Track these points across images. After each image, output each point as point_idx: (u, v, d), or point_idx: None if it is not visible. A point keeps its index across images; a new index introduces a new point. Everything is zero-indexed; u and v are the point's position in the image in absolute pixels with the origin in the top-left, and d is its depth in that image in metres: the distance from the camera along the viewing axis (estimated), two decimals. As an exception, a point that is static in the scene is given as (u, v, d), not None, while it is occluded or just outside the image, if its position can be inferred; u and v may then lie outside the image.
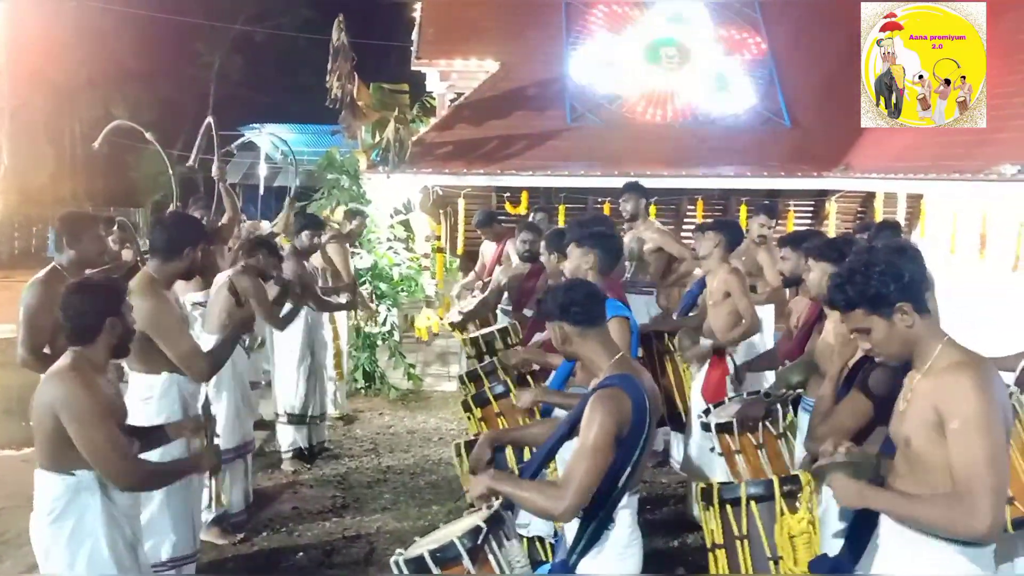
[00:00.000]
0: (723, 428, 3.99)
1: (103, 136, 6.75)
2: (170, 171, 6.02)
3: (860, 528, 2.51)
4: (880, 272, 2.25)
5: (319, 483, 5.89)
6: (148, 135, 6.36)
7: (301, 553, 4.79)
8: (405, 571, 2.68)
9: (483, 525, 2.64)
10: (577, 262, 3.97)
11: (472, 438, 4.04)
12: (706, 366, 4.96)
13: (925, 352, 2.28)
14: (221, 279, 5.08)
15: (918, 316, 2.26)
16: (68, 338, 2.93)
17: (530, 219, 7.13)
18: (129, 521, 2.99)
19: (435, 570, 2.61)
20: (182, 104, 25.62)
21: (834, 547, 2.71)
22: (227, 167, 8.31)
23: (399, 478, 5.99)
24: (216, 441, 3.27)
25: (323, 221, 6.77)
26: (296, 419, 6.17)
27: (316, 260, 6.76)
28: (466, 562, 2.60)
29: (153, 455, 3.23)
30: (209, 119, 6.88)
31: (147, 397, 3.81)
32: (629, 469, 2.56)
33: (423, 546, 2.72)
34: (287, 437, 6.20)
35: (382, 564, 4.65)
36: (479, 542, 2.62)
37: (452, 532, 2.72)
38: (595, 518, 2.56)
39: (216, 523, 4.87)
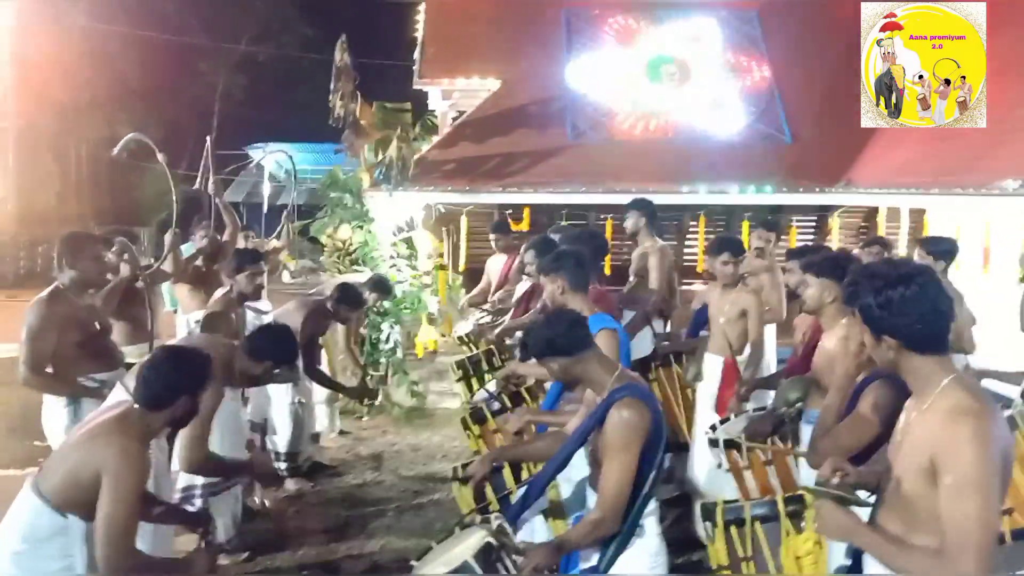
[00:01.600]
0: (731, 444, 3.98)
1: (122, 145, 6.74)
2: (172, 191, 6.01)
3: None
4: (877, 294, 2.17)
5: (322, 501, 5.87)
6: (160, 156, 6.43)
7: (305, 572, 4.77)
8: None
9: (494, 542, 2.63)
10: (550, 290, 4.00)
11: (468, 462, 4.03)
12: (717, 384, 4.95)
13: (925, 388, 2.17)
14: (218, 294, 5.08)
15: (909, 352, 2.16)
16: (137, 398, 2.88)
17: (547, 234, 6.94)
18: None
19: None
20: (186, 124, 25.78)
21: (841, 566, 2.69)
22: (229, 186, 8.35)
23: (403, 496, 5.97)
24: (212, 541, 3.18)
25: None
26: (292, 457, 6.04)
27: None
28: None
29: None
30: (208, 140, 6.94)
31: None
32: (653, 474, 2.57)
33: (435, 564, 2.69)
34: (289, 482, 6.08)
35: (386, 583, 4.63)
36: (492, 559, 2.62)
37: (461, 552, 2.70)
38: (624, 526, 2.56)
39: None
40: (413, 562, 2.92)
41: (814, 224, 9.74)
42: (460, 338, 6.74)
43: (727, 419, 4.44)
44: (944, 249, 5.05)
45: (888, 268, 2.25)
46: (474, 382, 5.83)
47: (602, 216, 9.15)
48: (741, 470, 3.93)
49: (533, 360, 4.66)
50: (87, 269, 4.16)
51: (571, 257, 4.06)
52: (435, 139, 10.31)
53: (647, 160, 9.36)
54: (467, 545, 2.70)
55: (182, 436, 3.61)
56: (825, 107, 9.84)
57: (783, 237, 9.28)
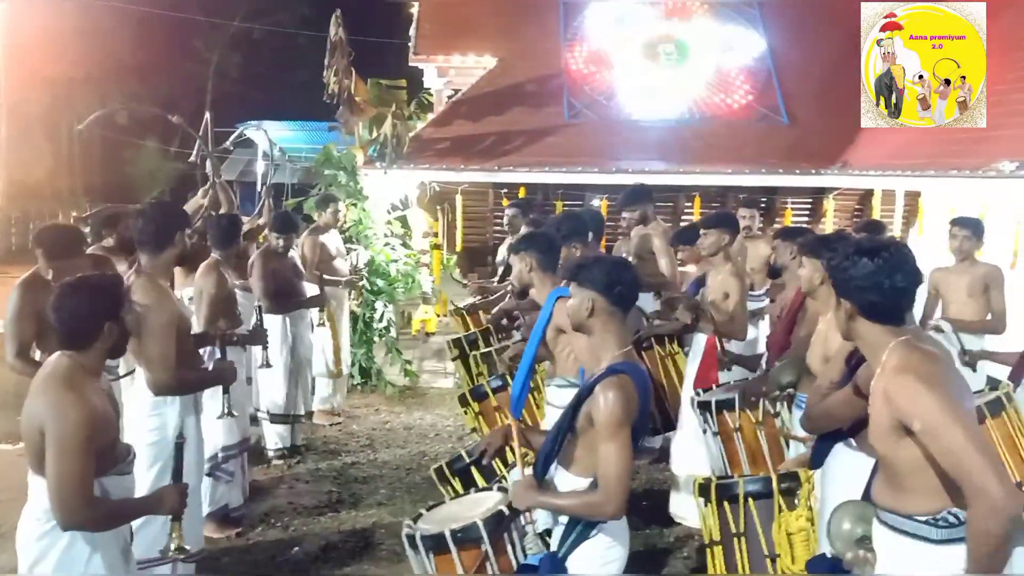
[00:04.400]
0: (723, 406, 3.98)
1: (91, 121, 6.68)
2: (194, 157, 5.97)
3: None
4: (845, 259, 2.33)
5: (315, 478, 5.87)
6: (174, 118, 6.35)
7: (297, 548, 4.78)
8: (421, 546, 2.65)
9: (506, 511, 2.62)
10: (517, 268, 4.01)
11: (448, 460, 4.02)
12: (699, 360, 4.96)
13: (875, 355, 2.32)
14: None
15: (862, 319, 2.31)
16: (61, 342, 2.70)
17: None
18: (123, 528, 2.86)
19: (453, 549, 2.59)
20: (180, 101, 25.58)
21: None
22: (223, 164, 8.29)
23: (395, 473, 5.97)
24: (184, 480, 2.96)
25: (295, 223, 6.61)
26: (279, 419, 6.10)
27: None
28: (486, 546, 2.59)
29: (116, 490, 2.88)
30: (207, 116, 6.86)
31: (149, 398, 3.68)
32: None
33: (440, 523, 2.68)
34: (272, 437, 6.17)
35: (378, 559, 4.64)
36: (501, 527, 2.61)
37: (472, 513, 2.68)
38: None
39: (212, 517, 4.87)
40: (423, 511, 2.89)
41: (809, 206, 9.72)
42: (453, 309, 6.74)
43: (709, 389, 4.46)
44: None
45: (864, 240, 2.45)
46: (471, 361, 5.83)
47: (598, 196, 9.12)
48: (732, 433, 3.93)
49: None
50: (65, 267, 4.08)
51: (542, 238, 4.08)
52: (430, 117, 10.25)
53: (643, 140, 9.33)
54: (481, 507, 2.69)
55: (147, 361, 3.55)
56: (823, 89, 9.81)
57: (778, 219, 9.29)
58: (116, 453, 2.80)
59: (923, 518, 2.22)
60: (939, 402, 2.13)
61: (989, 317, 5.23)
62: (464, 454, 3.97)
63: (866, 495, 2.51)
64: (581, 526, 2.54)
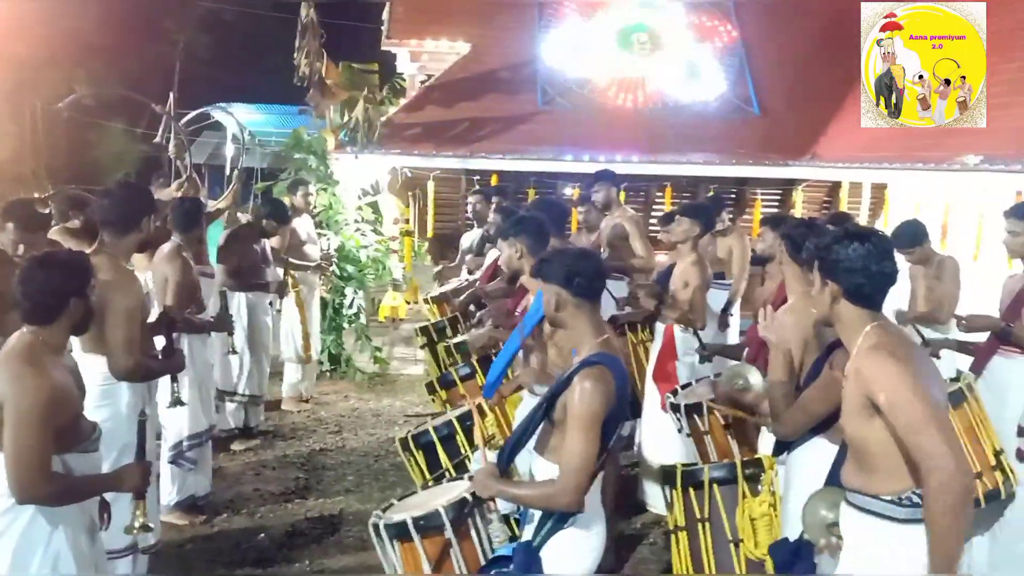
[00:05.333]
0: (693, 409, 4.01)
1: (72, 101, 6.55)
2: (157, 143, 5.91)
3: None
4: (836, 241, 2.40)
5: (282, 465, 5.83)
6: (157, 107, 6.26)
7: (263, 535, 4.74)
8: (385, 535, 2.65)
9: (469, 498, 2.62)
10: (507, 254, 3.98)
11: (415, 433, 4.01)
12: (655, 353, 4.99)
13: (852, 337, 2.39)
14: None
15: (845, 301, 2.39)
16: (25, 317, 2.69)
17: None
18: (88, 508, 2.83)
19: (416, 537, 2.58)
20: (147, 83, 25.07)
21: (795, 530, 2.72)
22: (191, 146, 8.12)
23: (363, 460, 5.95)
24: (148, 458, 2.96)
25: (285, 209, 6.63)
26: (227, 395, 6.02)
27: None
28: (448, 532, 2.59)
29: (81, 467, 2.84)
30: (171, 96, 6.75)
31: (99, 384, 3.57)
32: (605, 453, 2.54)
33: (405, 511, 2.68)
34: (224, 417, 6.08)
35: (345, 546, 4.62)
36: (464, 514, 2.60)
37: (436, 501, 2.69)
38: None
39: (179, 506, 4.82)
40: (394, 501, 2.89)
41: (779, 197, 9.80)
42: (426, 299, 6.74)
43: (688, 385, 4.48)
44: None
45: (851, 226, 2.59)
46: (438, 349, 5.81)
47: (572, 184, 9.11)
48: (702, 434, 3.97)
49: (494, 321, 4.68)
50: (33, 242, 3.98)
51: (532, 222, 4.03)
52: (403, 103, 10.16)
53: (616, 129, 9.32)
54: (447, 495, 2.70)
55: (111, 345, 3.48)
56: (794, 80, 9.88)
57: (747, 210, 9.36)
58: (79, 430, 2.77)
59: (888, 498, 2.27)
60: (905, 378, 2.21)
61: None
62: (431, 429, 3.97)
63: (830, 480, 2.54)
64: (556, 516, 2.53)
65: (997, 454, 3.58)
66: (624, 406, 2.55)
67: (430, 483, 3.50)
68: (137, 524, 2.79)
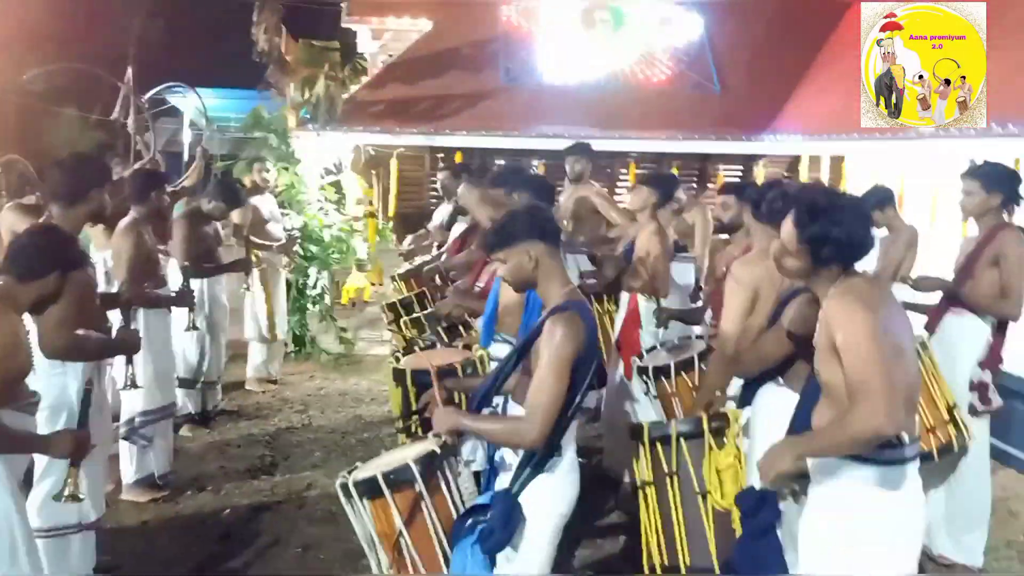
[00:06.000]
0: (661, 372, 4.05)
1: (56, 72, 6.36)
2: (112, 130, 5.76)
3: None
4: (814, 205, 2.39)
5: (247, 443, 5.76)
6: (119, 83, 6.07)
7: (228, 511, 4.68)
8: (355, 493, 2.63)
9: (438, 450, 2.61)
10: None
11: (402, 367, 3.95)
12: (620, 322, 5.02)
13: (825, 291, 2.42)
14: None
15: (824, 263, 2.38)
16: (9, 268, 2.81)
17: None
18: (15, 470, 2.79)
19: (387, 492, 2.57)
20: (100, 68, 24.51)
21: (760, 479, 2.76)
22: (148, 127, 7.96)
23: (330, 437, 5.90)
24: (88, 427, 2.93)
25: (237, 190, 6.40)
26: (187, 383, 5.81)
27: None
28: (419, 485, 2.58)
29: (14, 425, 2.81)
30: (129, 70, 6.59)
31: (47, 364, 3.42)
32: (580, 396, 2.55)
33: (375, 468, 2.67)
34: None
35: (314, 518, 4.58)
36: (433, 467, 2.60)
37: (405, 456, 2.68)
38: (545, 446, 2.54)
39: (139, 484, 4.74)
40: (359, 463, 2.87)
41: (740, 172, 9.92)
42: (393, 277, 6.69)
43: (653, 348, 4.52)
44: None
45: (829, 192, 2.57)
46: (404, 324, 5.77)
47: (535, 161, 9.11)
48: (670, 396, 4.01)
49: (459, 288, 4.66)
50: None
51: (537, 179, 4.03)
52: (364, 81, 10.06)
53: (579, 105, 9.34)
54: (413, 451, 2.69)
55: (46, 321, 3.27)
56: (754, 58, 9.97)
57: (710, 184, 9.46)
58: (19, 389, 2.77)
59: None
60: (865, 321, 2.24)
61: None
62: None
63: (791, 429, 2.58)
64: (533, 462, 2.54)
65: (950, 409, 3.67)
66: (593, 351, 2.55)
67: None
68: (67, 492, 2.76)
